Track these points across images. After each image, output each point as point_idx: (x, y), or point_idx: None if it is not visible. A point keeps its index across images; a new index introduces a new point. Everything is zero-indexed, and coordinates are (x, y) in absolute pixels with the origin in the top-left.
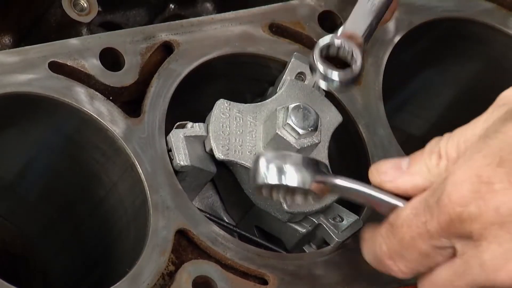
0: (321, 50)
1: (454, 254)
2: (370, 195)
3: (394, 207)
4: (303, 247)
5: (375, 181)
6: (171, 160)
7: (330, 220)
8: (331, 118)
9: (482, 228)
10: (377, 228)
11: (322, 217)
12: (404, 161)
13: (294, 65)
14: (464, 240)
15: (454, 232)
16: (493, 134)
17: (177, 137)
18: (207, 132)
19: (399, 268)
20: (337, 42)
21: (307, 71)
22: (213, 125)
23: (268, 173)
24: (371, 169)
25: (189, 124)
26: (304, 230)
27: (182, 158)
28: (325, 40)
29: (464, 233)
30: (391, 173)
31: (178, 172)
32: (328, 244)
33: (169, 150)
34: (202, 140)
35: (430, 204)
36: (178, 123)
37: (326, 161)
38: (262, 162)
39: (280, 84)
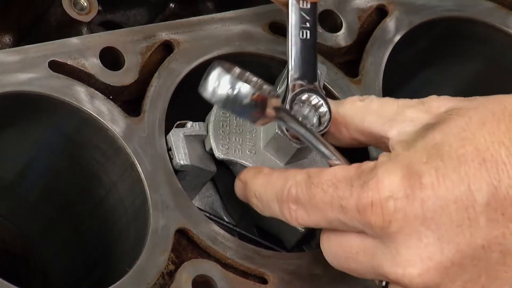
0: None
1: (363, 232)
2: (309, 141)
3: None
4: (303, 247)
5: None
6: (171, 159)
7: None
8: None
9: (403, 220)
10: (291, 169)
11: None
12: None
13: None
14: (376, 228)
15: (369, 218)
16: (419, 137)
17: (177, 136)
18: (207, 131)
19: (297, 217)
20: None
21: None
22: (213, 124)
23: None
24: None
25: (189, 124)
26: (303, 230)
27: (182, 157)
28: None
29: (381, 221)
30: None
31: (178, 171)
32: None
33: (169, 149)
34: (202, 139)
35: (354, 183)
36: (178, 122)
37: (326, 164)
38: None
39: (280, 84)
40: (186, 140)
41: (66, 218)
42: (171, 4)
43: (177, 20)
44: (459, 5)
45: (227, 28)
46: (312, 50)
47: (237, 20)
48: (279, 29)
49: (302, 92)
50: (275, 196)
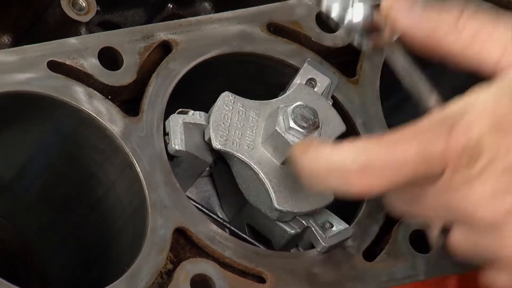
0: None
1: (437, 178)
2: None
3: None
4: (291, 250)
5: None
6: (166, 144)
7: (319, 224)
8: (334, 127)
9: (489, 161)
10: (347, 142)
11: (312, 220)
12: None
13: (306, 70)
14: (460, 168)
15: (456, 158)
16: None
17: (176, 121)
18: (208, 122)
19: (367, 184)
20: None
21: (318, 77)
22: (214, 115)
23: None
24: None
25: (191, 112)
26: (292, 231)
27: (177, 143)
28: None
29: (467, 161)
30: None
31: (173, 157)
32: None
33: (166, 134)
34: (201, 129)
35: (441, 126)
36: (180, 109)
37: None
38: None
39: (289, 87)
40: (184, 126)
41: (65, 217)
42: (169, 4)
43: (175, 20)
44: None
45: (225, 28)
46: None
47: (235, 20)
48: (277, 30)
49: None
50: (334, 173)
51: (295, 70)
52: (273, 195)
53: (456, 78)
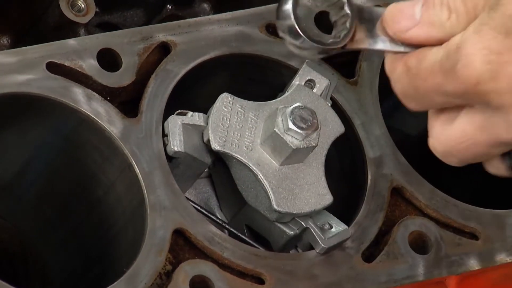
0: None
1: (471, 106)
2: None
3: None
4: (290, 251)
5: (390, 31)
6: (165, 145)
7: (318, 225)
8: (333, 128)
9: (499, 96)
10: (395, 62)
11: (311, 221)
12: (417, 8)
13: (305, 71)
14: (483, 104)
15: (471, 98)
16: (495, 7)
17: (175, 123)
18: (207, 123)
19: (409, 106)
20: None
21: (317, 78)
22: (213, 116)
23: None
24: (385, 16)
25: (190, 113)
26: (291, 233)
27: (176, 144)
28: None
29: (482, 100)
30: (404, 23)
31: (172, 158)
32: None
33: (165, 135)
34: (200, 130)
35: (446, 68)
36: (178, 110)
37: (322, 167)
38: None
39: (288, 88)
40: (183, 128)
41: (64, 217)
42: (168, 6)
43: (174, 22)
44: None
45: (223, 29)
46: None
47: (233, 21)
48: (276, 31)
49: None
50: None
51: (294, 71)
52: (272, 196)
53: None
